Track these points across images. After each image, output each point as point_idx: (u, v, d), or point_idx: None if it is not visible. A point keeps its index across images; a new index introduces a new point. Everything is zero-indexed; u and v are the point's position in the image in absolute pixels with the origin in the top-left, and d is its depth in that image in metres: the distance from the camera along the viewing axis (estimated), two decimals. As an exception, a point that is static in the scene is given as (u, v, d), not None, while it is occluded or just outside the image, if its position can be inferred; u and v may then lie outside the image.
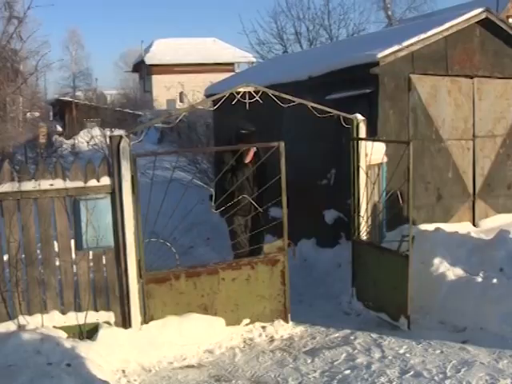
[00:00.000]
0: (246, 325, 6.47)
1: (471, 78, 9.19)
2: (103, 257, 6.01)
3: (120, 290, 6.01)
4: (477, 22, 9.09)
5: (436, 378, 5.01)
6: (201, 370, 5.61)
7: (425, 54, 8.60)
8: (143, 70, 49.70)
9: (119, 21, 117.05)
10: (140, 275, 6.04)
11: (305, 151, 9.23)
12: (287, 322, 6.56)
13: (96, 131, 25.94)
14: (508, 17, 32.12)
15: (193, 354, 5.92)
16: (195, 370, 5.61)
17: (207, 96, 12.69)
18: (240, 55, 32.98)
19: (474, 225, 9.13)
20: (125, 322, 6.02)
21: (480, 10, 9.01)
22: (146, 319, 6.07)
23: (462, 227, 8.44)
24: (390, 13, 33.65)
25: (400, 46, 8.22)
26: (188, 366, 5.72)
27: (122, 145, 5.88)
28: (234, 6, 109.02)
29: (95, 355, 5.46)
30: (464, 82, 9.13)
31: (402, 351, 5.59)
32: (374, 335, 6.06)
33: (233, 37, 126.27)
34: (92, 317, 5.94)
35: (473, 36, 9.14)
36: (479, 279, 6.47)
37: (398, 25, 23.63)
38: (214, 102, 8.48)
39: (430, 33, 8.52)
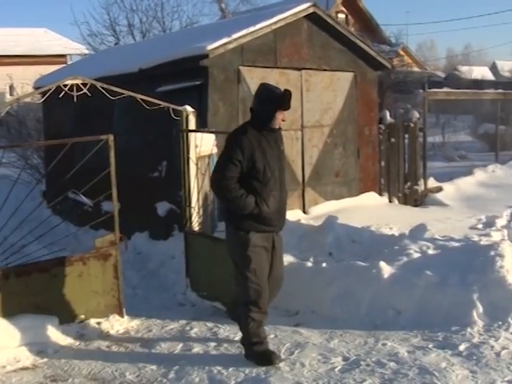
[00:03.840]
0: (81, 322, 6.28)
1: (299, 70, 9.47)
2: None
3: None
4: (305, 16, 9.40)
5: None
6: (36, 372, 5.39)
7: (254, 46, 8.76)
8: (-33, 61, 47.20)
9: None
10: (-35, 276, 5.73)
11: (136, 144, 9.15)
12: (122, 316, 6.45)
13: None
14: (337, 12, 33.44)
15: (27, 356, 5.66)
16: (30, 372, 5.38)
17: (36, 89, 12.23)
18: (72, 47, 32.00)
19: (304, 212, 9.43)
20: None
21: (308, 4, 9.32)
22: (-27, 323, 5.77)
23: (293, 215, 8.69)
24: (223, 5, 33.96)
25: (229, 39, 8.33)
26: (22, 369, 5.46)
27: None
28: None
29: None
30: (292, 74, 9.41)
31: (237, 338, 5.65)
32: (210, 324, 6.10)
33: (64, 28, 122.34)
34: None
35: (301, 30, 9.44)
36: (309, 264, 6.69)
37: (232, 18, 23.92)
38: (42, 95, 8.17)
39: (259, 26, 8.70)
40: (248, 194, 4.95)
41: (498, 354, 5.03)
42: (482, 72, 54.32)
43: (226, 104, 8.52)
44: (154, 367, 5.26)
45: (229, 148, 5.03)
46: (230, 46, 8.37)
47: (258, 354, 5.13)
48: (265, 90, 5.14)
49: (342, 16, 33.79)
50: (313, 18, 9.53)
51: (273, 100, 5.06)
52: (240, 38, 8.46)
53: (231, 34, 8.40)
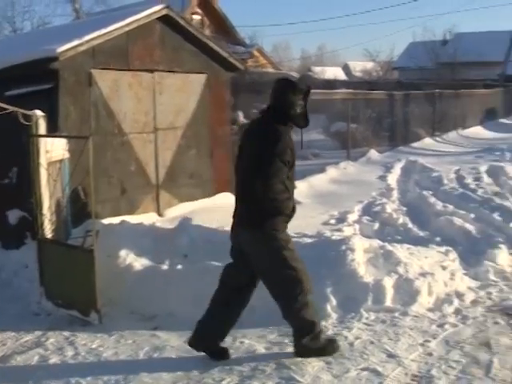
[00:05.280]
0: None
1: (152, 72, 9.47)
2: None
3: None
4: (158, 18, 9.40)
5: (129, 366, 5.14)
6: None
7: (106, 48, 8.66)
8: None
9: None
10: None
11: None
12: (-28, 330, 6.23)
13: None
14: (193, 13, 33.51)
15: None
16: None
17: None
18: None
19: (159, 215, 9.44)
20: None
21: (161, 6, 9.32)
22: None
23: (148, 218, 8.72)
24: (77, 6, 33.29)
25: (81, 41, 8.16)
26: None
27: None
28: None
29: None
30: (145, 76, 9.38)
31: (94, 346, 5.62)
32: (67, 333, 6.00)
33: None
34: None
35: (154, 32, 9.44)
36: (165, 267, 6.75)
37: (86, 18, 23.47)
38: None
39: (111, 28, 8.60)
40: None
41: (351, 344, 5.33)
42: (334, 72, 56.27)
43: (78, 108, 8.36)
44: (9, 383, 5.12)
45: (280, 148, 4.84)
46: (82, 49, 8.20)
47: (327, 343, 5.14)
48: (300, 86, 5.13)
49: (197, 17, 33.92)
50: (166, 19, 9.55)
51: (306, 93, 5.09)
52: (92, 40, 8.31)
53: (83, 35, 8.25)
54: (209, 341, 5.18)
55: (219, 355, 5.17)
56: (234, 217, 5.18)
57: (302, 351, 5.09)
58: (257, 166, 4.84)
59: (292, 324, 5.09)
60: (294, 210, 5.04)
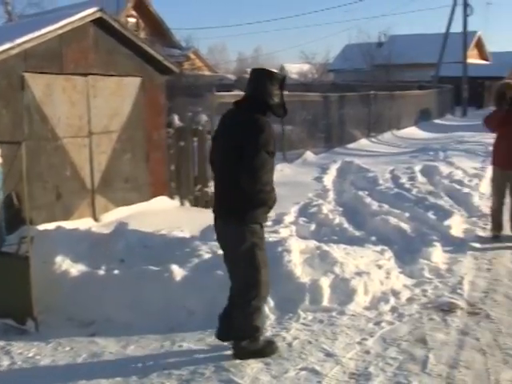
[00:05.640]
0: None
1: (86, 75, 9.35)
2: None
3: None
4: (91, 21, 9.29)
5: (67, 373, 5.09)
6: None
7: (39, 52, 8.53)
8: None
9: None
10: None
11: None
12: None
13: None
14: (128, 16, 33.28)
15: None
16: None
17: None
18: None
19: (95, 220, 9.33)
20: None
21: (94, 9, 9.21)
22: None
23: (83, 223, 8.62)
24: (9, 8, 32.65)
25: (12, 44, 8.01)
26: None
27: None
28: None
29: None
30: (79, 79, 9.26)
31: (31, 354, 5.52)
32: (2, 343, 5.85)
33: None
34: None
35: (87, 34, 9.32)
36: (101, 272, 6.67)
37: (18, 21, 23.04)
38: None
39: (44, 30, 8.46)
40: None
41: (290, 345, 5.40)
42: (271, 75, 56.48)
43: (10, 112, 8.20)
44: None
45: (264, 139, 4.80)
46: (13, 52, 8.04)
47: (266, 345, 5.20)
48: (277, 74, 5.04)
49: (132, 20, 33.74)
50: (100, 22, 9.44)
51: (282, 83, 5.03)
52: (24, 43, 8.16)
53: (15, 38, 8.10)
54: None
55: None
56: (214, 211, 5.22)
57: (241, 353, 5.14)
58: (240, 157, 4.79)
59: (237, 324, 5.12)
60: (275, 201, 5.07)
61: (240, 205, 4.88)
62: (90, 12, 9.20)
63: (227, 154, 4.93)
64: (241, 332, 5.12)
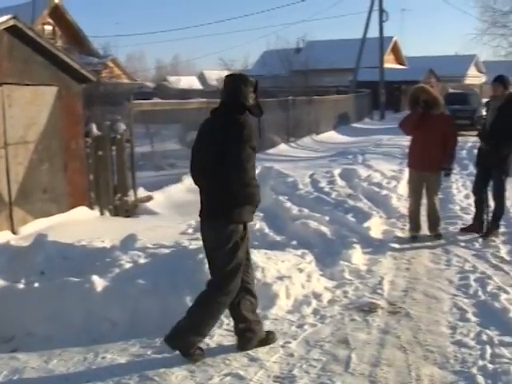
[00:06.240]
0: None
1: (0, 85, 9.15)
2: None
3: None
4: (5, 29, 9.08)
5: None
6: None
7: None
8: None
9: None
10: None
11: None
12: None
13: None
14: (44, 24, 32.60)
15: None
16: None
17: None
18: None
19: (13, 233, 9.12)
20: None
21: (8, 16, 9.02)
22: None
23: (1, 236, 8.44)
24: None
25: None
26: None
27: None
28: None
29: None
30: (-7, 89, 9.06)
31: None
32: None
33: None
34: None
35: (1, 43, 9.11)
36: (21, 285, 6.52)
37: None
38: None
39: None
40: None
41: (213, 351, 5.39)
42: (190, 82, 56.52)
43: None
44: None
45: (247, 135, 4.96)
46: None
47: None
48: (250, 79, 5.22)
49: (48, 28, 33.11)
50: (14, 30, 9.25)
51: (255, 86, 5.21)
52: None
53: None
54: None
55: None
56: (200, 215, 5.33)
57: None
58: (225, 154, 4.94)
59: (196, 315, 5.20)
60: (259, 200, 5.20)
61: (227, 204, 5.03)
62: (4, 20, 9.00)
63: (212, 157, 5.05)
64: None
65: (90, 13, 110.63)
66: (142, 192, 12.14)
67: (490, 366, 5.08)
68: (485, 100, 29.00)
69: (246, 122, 5.04)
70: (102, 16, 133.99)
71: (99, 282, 6.29)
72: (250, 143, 4.96)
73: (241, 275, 5.22)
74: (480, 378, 4.88)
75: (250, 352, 5.34)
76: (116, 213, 11.31)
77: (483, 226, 9.35)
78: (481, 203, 9.44)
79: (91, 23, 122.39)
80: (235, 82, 5.20)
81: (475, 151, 9.98)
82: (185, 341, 5.16)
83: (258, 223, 9.63)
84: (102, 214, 11.01)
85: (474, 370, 5.02)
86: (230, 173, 4.93)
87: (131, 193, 11.75)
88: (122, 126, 11.83)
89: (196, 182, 5.39)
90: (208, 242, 5.29)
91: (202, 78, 68.01)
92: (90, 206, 10.84)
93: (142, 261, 6.99)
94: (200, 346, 5.28)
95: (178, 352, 5.21)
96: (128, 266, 6.83)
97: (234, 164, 4.91)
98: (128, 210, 11.35)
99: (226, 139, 4.95)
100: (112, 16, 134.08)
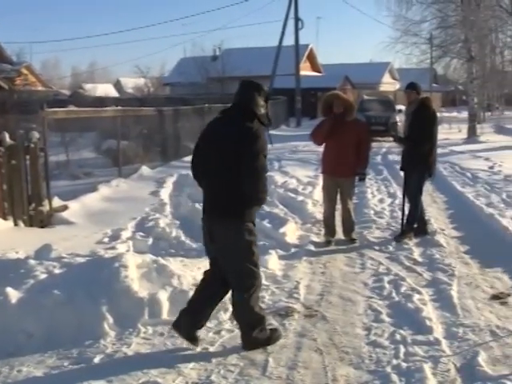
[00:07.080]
0: None
1: None
2: None
3: None
4: None
5: None
6: None
7: None
8: None
9: None
10: None
11: None
12: None
13: None
14: None
15: None
16: None
17: None
18: None
19: None
20: None
21: None
22: None
23: None
24: None
25: None
26: None
27: None
28: None
29: None
30: None
31: None
32: None
33: None
34: None
35: None
36: None
37: None
38: None
39: None
40: None
41: (131, 360, 5.40)
42: (106, 89, 55.83)
43: None
44: None
45: (261, 145, 5.22)
46: None
47: (272, 333, 5.67)
48: (265, 88, 5.54)
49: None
50: None
51: (267, 96, 5.50)
52: None
53: None
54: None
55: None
56: (206, 212, 5.52)
57: (253, 342, 5.54)
58: (237, 161, 5.16)
59: (243, 317, 5.52)
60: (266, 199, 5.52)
61: (238, 205, 5.26)
62: None
63: (224, 157, 5.23)
64: (249, 323, 5.50)
65: (3, 18, 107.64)
66: (57, 201, 11.91)
67: (404, 365, 5.27)
68: (399, 107, 29.93)
69: (258, 132, 5.25)
70: (15, 21, 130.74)
71: (13, 294, 6.17)
72: (263, 152, 5.25)
73: (259, 264, 5.55)
74: (394, 377, 5.05)
75: (167, 359, 5.37)
76: (30, 223, 11.06)
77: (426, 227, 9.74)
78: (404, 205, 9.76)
79: (4, 29, 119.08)
80: (250, 89, 5.44)
81: (390, 156, 10.27)
82: (258, 340, 5.54)
83: (174, 231, 9.64)
84: (15, 224, 10.76)
85: (389, 369, 5.19)
86: (243, 180, 5.17)
87: (46, 202, 11.50)
88: (36, 135, 11.58)
89: (199, 183, 5.63)
90: (219, 243, 5.43)
91: (118, 85, 67.36)
92: (4, 217, 10.58)
93: (57, 271, 6.88)
94: (269, 328, 5.69)
95: (96, 361, 5.27)
96: (43, 276, 6.71)
97: (251, 174, 5.18)
98: (43, 220, 11.12)
99: (238, 149, 5.16)
100: (25, 22, 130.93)
